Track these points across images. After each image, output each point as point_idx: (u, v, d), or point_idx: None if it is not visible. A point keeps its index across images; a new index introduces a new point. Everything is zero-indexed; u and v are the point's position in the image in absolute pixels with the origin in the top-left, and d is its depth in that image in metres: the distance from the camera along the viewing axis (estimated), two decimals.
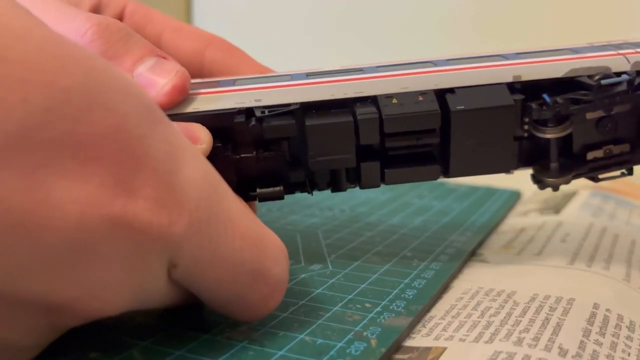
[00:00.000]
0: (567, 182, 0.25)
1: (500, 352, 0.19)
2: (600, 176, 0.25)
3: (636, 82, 0.23)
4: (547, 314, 0.22)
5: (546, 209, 0.36)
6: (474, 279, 0.26)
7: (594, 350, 0.20)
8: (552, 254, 0.28)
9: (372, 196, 0.37)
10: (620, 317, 0.22)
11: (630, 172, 0.25)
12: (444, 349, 0.20)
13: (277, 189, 0.23)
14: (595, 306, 0.23)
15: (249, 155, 0.23)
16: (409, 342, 0.20)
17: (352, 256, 0.27)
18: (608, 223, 0.33)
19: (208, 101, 0.22)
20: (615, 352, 0.20)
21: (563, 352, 0.19)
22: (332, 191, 0.25)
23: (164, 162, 0.15)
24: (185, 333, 0.20)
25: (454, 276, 0.26)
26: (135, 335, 0.19)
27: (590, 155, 0.24)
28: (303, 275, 0.25)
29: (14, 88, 0.13)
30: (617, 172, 0.25)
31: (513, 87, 0.23)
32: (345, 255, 0.27)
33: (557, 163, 0.24)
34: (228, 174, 0.20)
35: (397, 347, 0.20)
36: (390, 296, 0.23)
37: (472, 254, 0.28)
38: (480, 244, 0.30)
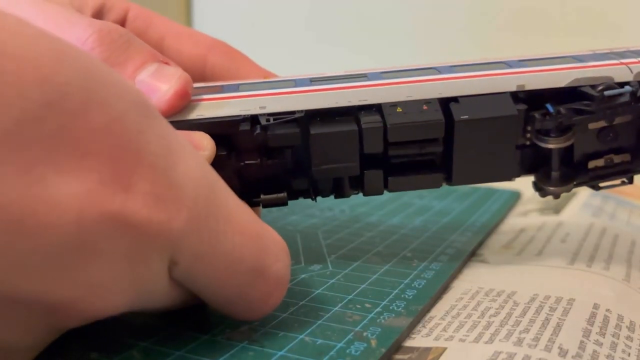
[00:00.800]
0: (568, 191, 0.25)
1: (501, 353, 0.19)
2: (601, 184, 0.25)
3: (639, 93, 0.23)
4: (547, 314, 0.22)
5: (546, 209, 0.36)
6: (474, 279, 0.26)
7: (594, 351, 0.20)
8: (552, 254, 0.28)
9: (372, 196, 0.37)
10: (620, 317, 0.22)
11: (630, 181, 0.25)
12: (444, 349, 0.20)
13: (281, 195, 0.23)
14: (595, 306, 0.23)
15: (253, 162, 0.23)
16: (409, 343, 0.20)
17: (352, 256, 0.27)
18: (608, 223, 0.33)
19: (212, 108, 0.22)
20: (615, 352, 0.20)
21: (563, 352, 0.19)
22: (335, 197, 0.25)
23: (161, 158, 0.15)
24: (185, 333, 0.20)
25: (454, 276, 0.26)
26: (135, 336, 0.19)
27: (592, 164, 0.24)
28: (303, 276, 0.25)
29: (10, 83, 0.13)
30: (618, 181, 0.25)
31: (517, 96, 0.23)
32: (345, 255, 0.27)
33: (558, 172, 0.24)
34: (232, 180, 0.20)
35: (397, 347, 0.20)
36: (390, 296, 0.23)
37: (472, 254, 0.28)
38: (480, 244, 0.30)
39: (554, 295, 0.23)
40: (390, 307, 0.22)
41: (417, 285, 0.24)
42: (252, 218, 0.18)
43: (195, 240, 0.16)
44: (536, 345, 0.19)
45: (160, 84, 0.22)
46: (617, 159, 0.24)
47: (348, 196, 0.24)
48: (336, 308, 0.22)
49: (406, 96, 0.23)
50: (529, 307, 0.22)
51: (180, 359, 0.18)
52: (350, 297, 0.23)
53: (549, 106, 0.23)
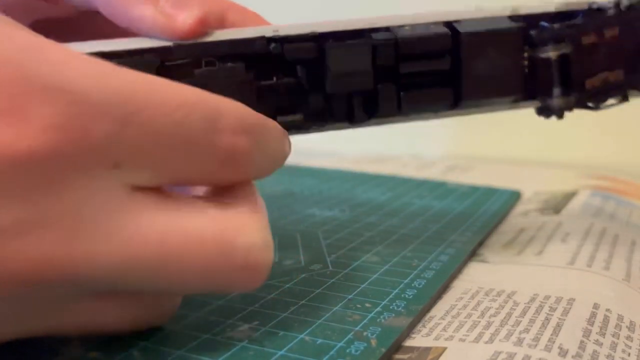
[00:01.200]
0: (570, 108, 0.26)
1: (501, 353, 0.19)
2: (602, 105, 0.27)
3: (622, 6, 0.26)
4: (547, 314, 0.22)
5: (546, 209, 0.36)
6: (474, 279, 0.26)
7: (594, 351, 0.20)
8: (552, 254, 0.28)
9: (372, 196, 0.37)
10: (620, 317, 0.22)
11: (626, 99, 0.27)
12: (444, 349, 0.20)
13: (297, 116, 0.24)
14: (595, 306, 0.23)
15: (269, 82, 0.23)
16: (409, 342, 0.20)
17: (352, 256, 0.27)
18: (608, 223, 0.33)
19: (229, 33, 0.23)
20: (615, 352, 0.20)
21: (563, 352, 0.19)
22: (349, 123, 0.25)
23: (45, 75, 0.15)
24: (185, 333, 0.20)
25: (454, 276, 0.26)
26: (135, 335, 0.19)
27: (589, 84, 0.26)
28: (303, 275, 0.25)
29: None
30: (616, 100, 0.27)
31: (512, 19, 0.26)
32: (345, 255, 0.27)
33: (559, 88, 0.26)
34: (251, 101, 0.21)
35: (397, 347, 0.20)
36: (390, 296, 0.23)
37: (472, 254, 0.28)
38: (480, 244, 0.30)
39: (554, 295, 0.23)
40: (390, 307, 0.22)
41: (417, 285, 0.24)
42: (190, 91, 0.17)
43: (130, 137, 0.15)
44: (536, 345, 0.19)
45: (181, 10, 0.22)
46: (611, 76, 0.26)
47: (361, 122, 0.25)
48: (336, 308, 0.22)
49: (412, 19, 0.25)
50: (529, 307, 0.22)
51: (180, 358, 0.18)
52: (350, 296, 0.23)
53: (543, 23, 0.26)
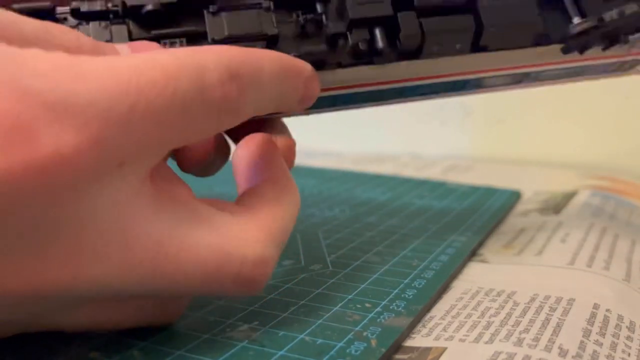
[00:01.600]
0: (588, 30, 0.26)
1: (501, 353, 0.19)
2: (630, 38, 0.27)
3: None
4: (547, 314, 0.22)
5: (546, 209, 0.36)
6: (474, 279, 0.26)
7: (594, 351, 0.20)
8: (552, 254, 0.28)
9: (372, 196, 0.37)
10: (620, 317, 0.22)
11: None
12: (444, 349, 0.20)
13: (321, 46, 0.24)
14: (595, 306, 0.23)
15: (289, 19, 0.24)
16: (409, 342, 0.20)
17: (352, 256, 0.27)
18: (608, 223, 0.33)
19: None
20: (615, 352, 0.20)
21: (563, 352, 0.19)
22: (371, 55, 0.25)
23: (43, 90, 0.14)
24: (185, 333, 0.20)
25: (454, 276, 0.26)
26: (135, 335, 0.19)
27: (607, 17, 0.26)
28: (303, 275, 0.25)
29: None
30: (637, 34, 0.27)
31: None
32: (345, 255, 0.27)
33: (578, 17, 0.26)
34: (271, 31, 0.22)
35: (397, 347, 0.20)
36: (390, 296, 0.23)
37: (472, 254, 0.28)
38: (480, 244, 0.30)
39: (554, 295, 0.23)
40: (390, 307, 0.22)
41: (417, 285, 0.24)
42: (169, 58, 0.17)
43: (133, 131, 0.15)
44: (536, 346, 0.19)
45: None
46: (628, 9, 0.26)
47: (384, 53, 0.25)
48: (336, 308, 0.22)
49: None
50: (529, 307, 0.22)
51: (180, 358, 0.18)
52: (350, 296, 0.23)
53: None
